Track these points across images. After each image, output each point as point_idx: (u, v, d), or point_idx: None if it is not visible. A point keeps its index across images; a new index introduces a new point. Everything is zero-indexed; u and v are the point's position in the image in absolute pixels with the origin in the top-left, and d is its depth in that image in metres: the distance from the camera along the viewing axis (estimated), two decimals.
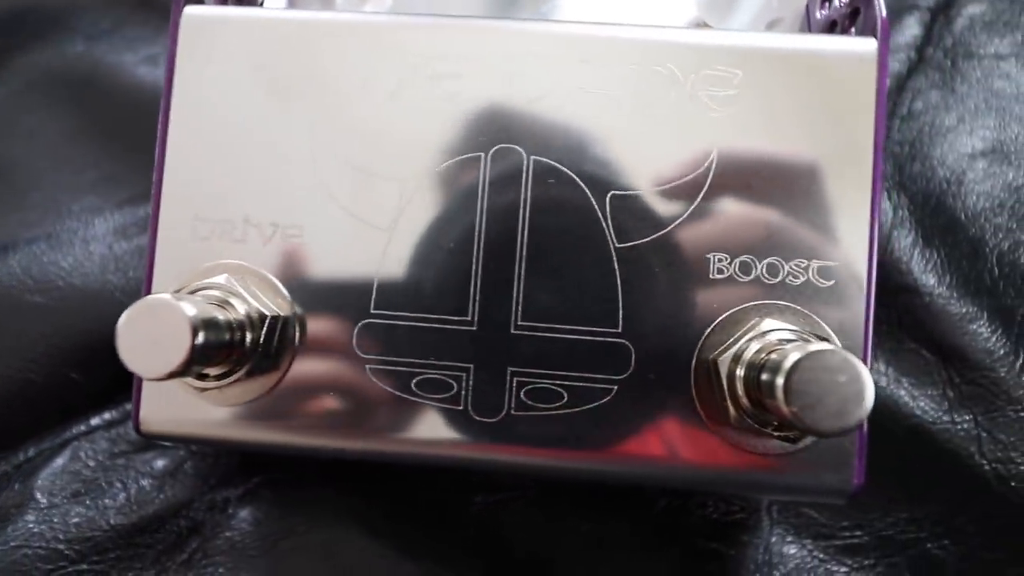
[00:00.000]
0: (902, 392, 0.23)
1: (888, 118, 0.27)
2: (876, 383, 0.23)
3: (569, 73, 0.18)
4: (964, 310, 0.23)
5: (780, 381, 0.14)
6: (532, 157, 0.18)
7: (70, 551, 0.21)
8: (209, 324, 0.15)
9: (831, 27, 0.21)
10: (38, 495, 0.22)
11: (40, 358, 0.24)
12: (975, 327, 0.23)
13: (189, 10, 0.19)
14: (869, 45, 0.17)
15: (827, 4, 0.21)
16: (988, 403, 0.22)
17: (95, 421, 0.24)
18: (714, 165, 0.17)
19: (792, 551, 0.22)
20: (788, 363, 0.14)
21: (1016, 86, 0.28)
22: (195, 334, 0.15)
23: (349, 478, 0.23)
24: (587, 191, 0.17)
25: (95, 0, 0.32)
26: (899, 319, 0.24)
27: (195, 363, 0.15)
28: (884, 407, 0.23)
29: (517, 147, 0.18)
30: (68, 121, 0.29)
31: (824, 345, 0.13)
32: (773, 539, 0.22)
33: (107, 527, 0.22)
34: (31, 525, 0.22)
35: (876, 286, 0.24)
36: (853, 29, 0.19)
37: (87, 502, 0.22)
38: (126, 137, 0.29)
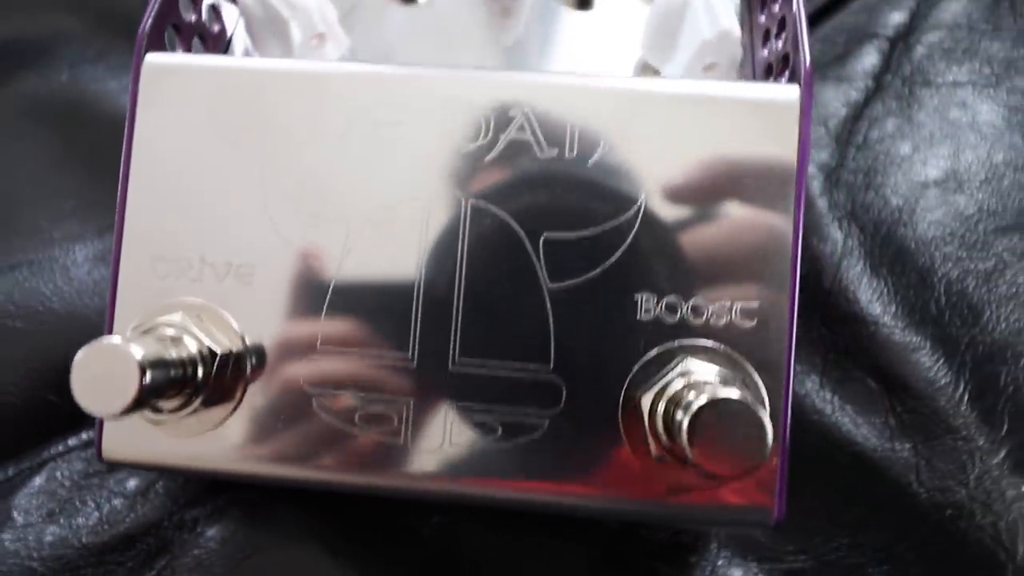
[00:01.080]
0: (846, 419, 0.23)
1: (844, 146, 0.28)
2: (821, 410, 0.24)
3: (505, 120, 0.18)
4: (908, 340, 0.24)
5: (685, 423, 0.14)
6: (470, 201, 0.18)
7: (43, 569, 0.22)
8: (158, 364, 0.16)
9: (769, 69, 0.21)
10: (15, 514, 0.23)
11: (20, 381, 0.25)
12: (918, 356, 0.23)
13: (150, 57, 0.20)
14: (792, 93, 0.18)
15: (766, 45, 0.22)
16: (927, 432, 0.22)
17: (72, 441, 0.25)
18: (642, 209, 0.18)
19: (738, 573, 0.23)
20: (694, 406, 0.14)
21: (972, 114, 0.28)
22: (143, 374, 0.16)
23: (313, 498, 0.24)
24: (521, 234, 0.18)
25: (80, 29, 0.33)
26: (845, 347, 0.25)
27: (145, 402, 0.16)
28: (828, 434, 0.23)
29: (456, 191, 0.18)
30: (52, 148, 0.30)
31: (729, 392, 0.14)
32: (720, 561, 0.23)
33: (79, 545, 0.23)
34: (7, 543, 0.23)
35: (826, 315, 0.25)
36: (787, 72, 0.20)
37: (61, 521, 0.23)
38: (108, 164, 0.30)
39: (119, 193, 0.20)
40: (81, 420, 0.26)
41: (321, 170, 0.19)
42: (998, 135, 0.27)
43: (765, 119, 0.18)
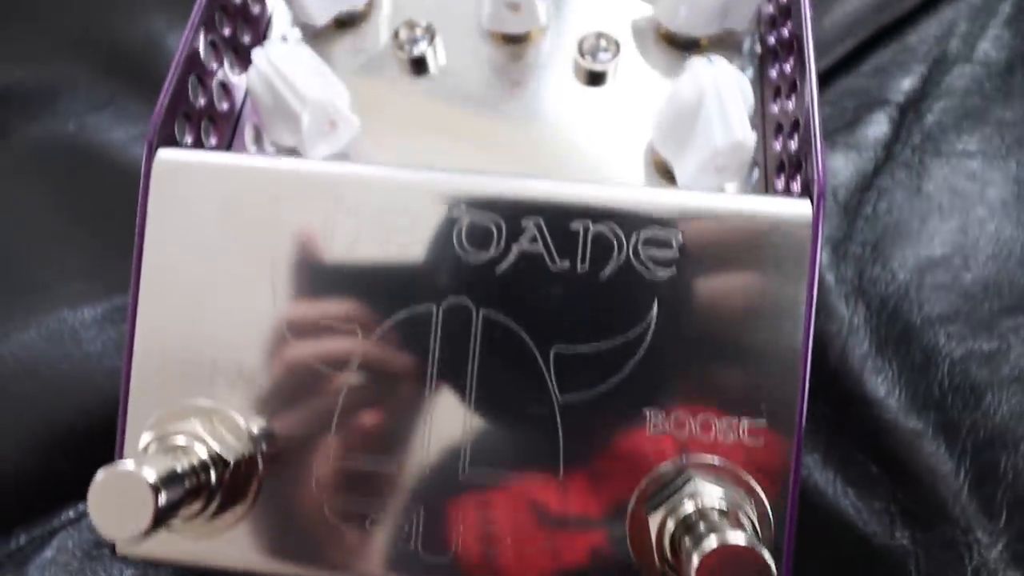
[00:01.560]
0: (847, 503, 0.24)
1: (853, 218, 0.28)
2: (823, 491, 0.24)
3: (517, 229, 0.18)
4: (911, 425, 0.24)
5: (695, 561, 0.15)
6: (481, 310, 0.18)
7: None
8: (172, 480, 0.16)
9: (780, 165, 0.21)
10: None
11: (29, 447, 0.26)
12: (921, 443, 0.24)
13: (162, 154, 0.20)
14: (804, 208, 0.18)
15: (778, 137, 0.22)
16: (927, 521, 0.23)
17: (83, 507, 0.26)
18: (653, 324, 0.18)
19: None
20: (703, 547, 0.15)
21: (981, 186, 0.28)
22: (158, 497, 0.16)
23: None
24: (532, 346, 0.18)
25: (86, 75, 0.33)
26: (849, 429, 0.25)
27: (163, 521, 0.16)
28: (829, 516, 0.24)
29: (467, 300, 0.18)
30: (58, 201, 0.30)
31: (737, 537, 0.14)
32: None
33: None
34: None
35: (831, 395, 0.25)
36: (798, 176, 0.20)
37: None
38: (117, 219, 0.30)
39: (131, 291, 0.20)
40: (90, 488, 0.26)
41: (333, 275, 0.19)
42: (1007, 209, 0.27)
43: (776, 235, 0.18)
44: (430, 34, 0.25)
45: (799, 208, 0.18)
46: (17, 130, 0.32)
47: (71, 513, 0.26)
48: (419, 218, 0.19)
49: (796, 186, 0.20)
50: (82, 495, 0.27)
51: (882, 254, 0.27)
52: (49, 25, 0.33)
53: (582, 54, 0.24)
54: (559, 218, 0.18)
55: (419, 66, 0.25)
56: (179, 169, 0.20)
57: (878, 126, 0.29)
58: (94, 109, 0.32)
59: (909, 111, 0.29)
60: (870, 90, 0.30)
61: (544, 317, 0.18)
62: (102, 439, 0.27)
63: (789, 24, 0.22)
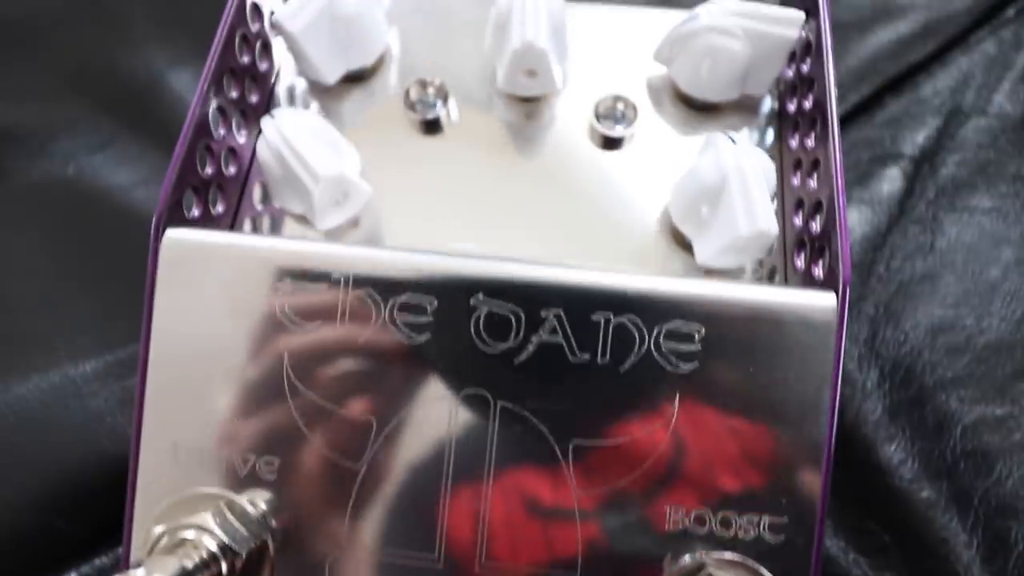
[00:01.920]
0: (858, 572, 0.24)
1: (866, 276, 0.28)
2: (834, 558, 0.24)
3: (536, 320, 0.18)
4: (924, 495, 0.24)
5: None
6: (499, 402, 0.18)
7: None
8: None
9: (801, 243, 0.21)
10: None
11: (26, 504, 0.25)
12: (933, 513, 0.24)
13: (170, 234, 0.19)
14: (828, 301, 0.18)
15: (799, 212, 0.21)
16: None
17: (85, 568, 0.25)
18: (674, 419, 0.18)
19: None
20: None
21: (994, 243, 0.28)
22: None
23: None
24: (551, 439, 0.18)
25: (84, 117, 0.32)
26: (863, 496, 0.25)
27: None
28: None
29: (485, 392, 0.18)
30: (59, 249, 0.29)
31: None
32: None
33: None
34: None
35: (844, 461, 0.25)
36: (820, 262, 0.19)
37: None
38: (119, 267, 0.29)
39: (138, 375, 0.19)
40: (90, 548, 0.26)
41: (346, 363, 0.18)
42: (1021, 268, 0.27)
43: (800, 329, 0.18)
44: (442, 95, 0.24)
45: (823, 301, 0.18)
46: (15, 173, 0.31)
47: (73, 574, 0.25)
48: (436, 306, 0.18)
49: (818, 270, 0.19)
50: (81, 556, 0.27)
51: (895, 315, 0.27)
52: (48, 63, 0.32)
53: (598, 118, 0.24)
54: (579, 309, 0.18)
55: (431, 127, 0.24)
56: (187, 250, 0.19)
57: (892, 182, 0.29)
58: (93, 150, 0.32)
59: (923, 165, 0.29)
60: (884, 142, 0.30)
61: (563, 410, 0.18)
62: (102, 499, 0.27)
63: (811, 96, 0.22)
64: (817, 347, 0.18)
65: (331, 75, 0.24)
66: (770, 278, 0.22)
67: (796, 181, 0.22)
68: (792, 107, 0.23)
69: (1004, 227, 0.28)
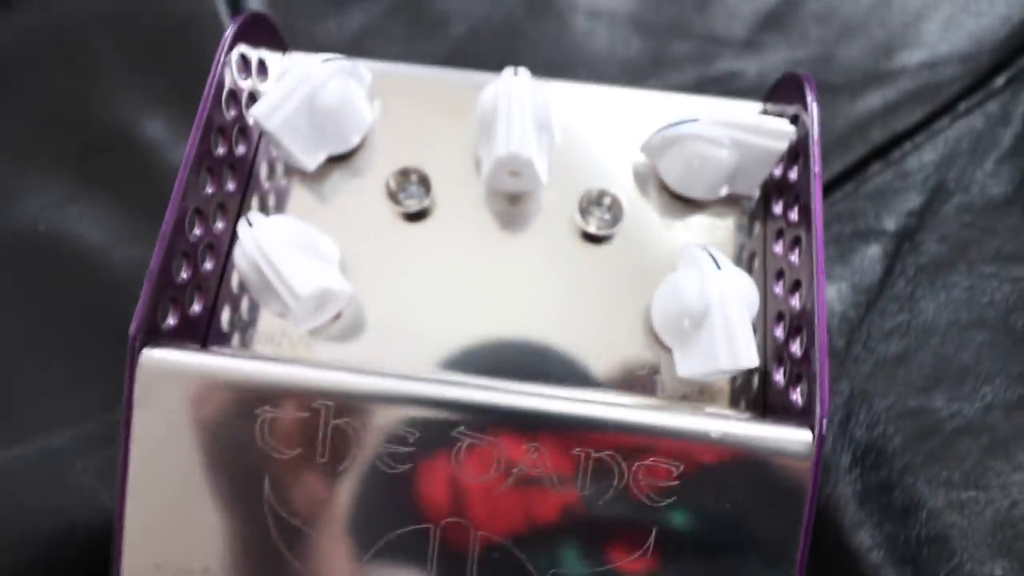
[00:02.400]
0: None
1: (843, 357, 0.28)
2: None
3: (518, 452, 0.18)
4: None
5: None
6: (479, 532, 0.18)
7: None
8: None
9: (781, 359, 0.21)
10: None
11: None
12: None
13: (145, 355, 0.19)
14: (804, 437, 0.18)
15: (779, 323, 0.21)
16: None
17: None
18: (650, 551, 0.18)
19: None
20: None
21: (969, 324, 0.28)
22: None
23: None
24: (531, 568, 0.18)
25: (52, 168, 0.31)
26: None
27: None
28: None
29: (465, 522, 0.18)
30: (31, 309, 0.29)
31: None
32: None
33: None
34: None
35: (816, 548, 0.25)
36: (798, 390, 0.20)
37: None
38: (93, 329, 0.28)
39: (118, 495, 0.19)
40: None
41: (326, 492, 0.18)
42: (995, 351, 0.28)
43: (776, 466, 0.18)
44: (424, 185, 0.24)
45: (799, 437, 0.18)
46: None
47: None
48: (418, 437, 0.18)
49: (796, 395, 0.20)
50: None
51: (868, 396, 0.27)
52: (15, 108, 0.31)
53: (582, 212, 0.23)
54: (559, 444, 0.18)
55: (413, 216, 0.24)
56: (163, 371, 0.19)
57: (872, 260, 0.29)
58: (65, 204, 0.31)
59: (905, 243, 0.29)
60: (867, 216, 0.30)
61: (542, 540, 0.18)
62: (77, 572, 0.27)
63: (796, 207, 0.22)
64: (791, 485, 0.18)
65: (311, 163, 0.23)
66: (745, 387, 0.22)
67: (778, 291, 0.22)
68: (777, 209, 0.23)
69: (979, 308, 0.28)
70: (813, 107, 0.21)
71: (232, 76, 0.23)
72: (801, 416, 0.19)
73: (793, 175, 0.22)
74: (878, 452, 0.27)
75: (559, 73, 0.32)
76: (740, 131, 0.21)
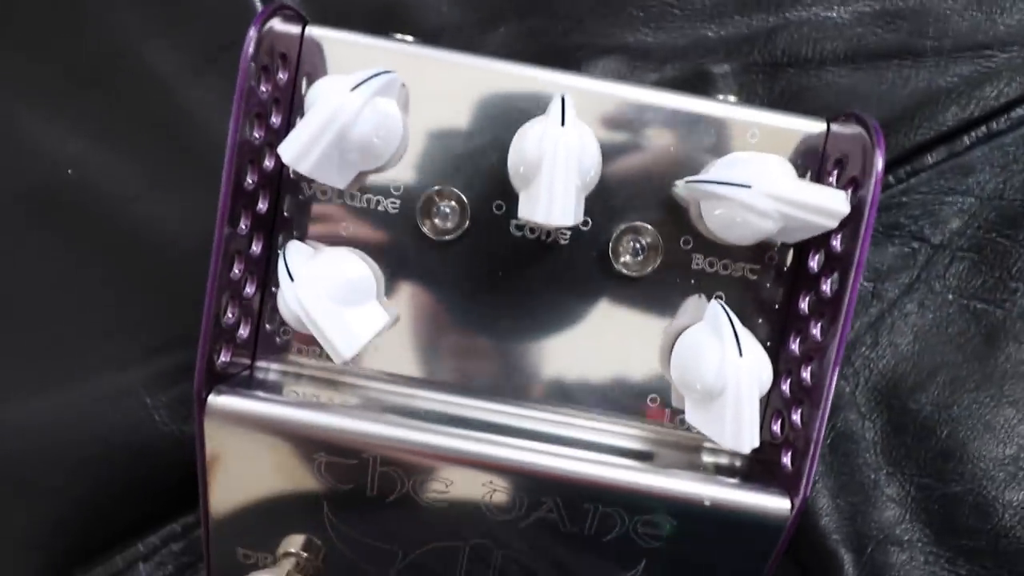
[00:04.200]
0: None
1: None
2: None
3: (536, 503, 0.21)
4: None
5: None
6: (501, 551, 0.22)
7: None
8: None
9: (779, 414, 0.23)
10: None
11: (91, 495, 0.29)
12: None
13: (212, 401, 0.21)
14: (783, 505, 0.21)
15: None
16: None
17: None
18: (640, 573, 0.22)
19: None
20: None
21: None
22: None
23: None
24: None
25: (70, 100, 0.28)
26: None
27: None
28: None
29: (490, 542, 0.22)
30: (78, 254, 0.29)
31: None
32: None
33: None
34: None
35: None
36: (789, 452, 0.22)
37: None
38: (139, 274, 0.29)
39: (201, 515, 0.23)
40: (143, 532, 0.30)
41: (374, 514, 0.22)
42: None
43: (753, 526, 0.21)
44: (458, 207, 0.23)
45: (780, 505, 0.21)
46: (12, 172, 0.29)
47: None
48: (453, 484, 0.21)
49: (787, 459, 0.22)
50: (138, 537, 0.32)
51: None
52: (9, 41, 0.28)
53: (614, 253, 0.23)
54: (574, 499, 0.21)
55: (446, 239, 0.23)
56: (228, 418, 0.21)
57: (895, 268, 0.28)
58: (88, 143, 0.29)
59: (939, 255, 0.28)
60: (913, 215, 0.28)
61: (555, 562, 0.22)
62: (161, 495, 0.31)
63: (830, 280, 0.21)
64: (765, 542, 0.21)
65: (343, 182, 0.22)
66: None
67: (793, 348, 0.23)
68: (813, 265, 0.23)
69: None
70: (876, 176, 0.20)
71: (257, 88, 0.21)
72: (787, 483, 0.22)
73: (837, 242, 0.21)
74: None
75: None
76: (791, 207, 0.20)
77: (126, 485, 0.30)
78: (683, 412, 0.22)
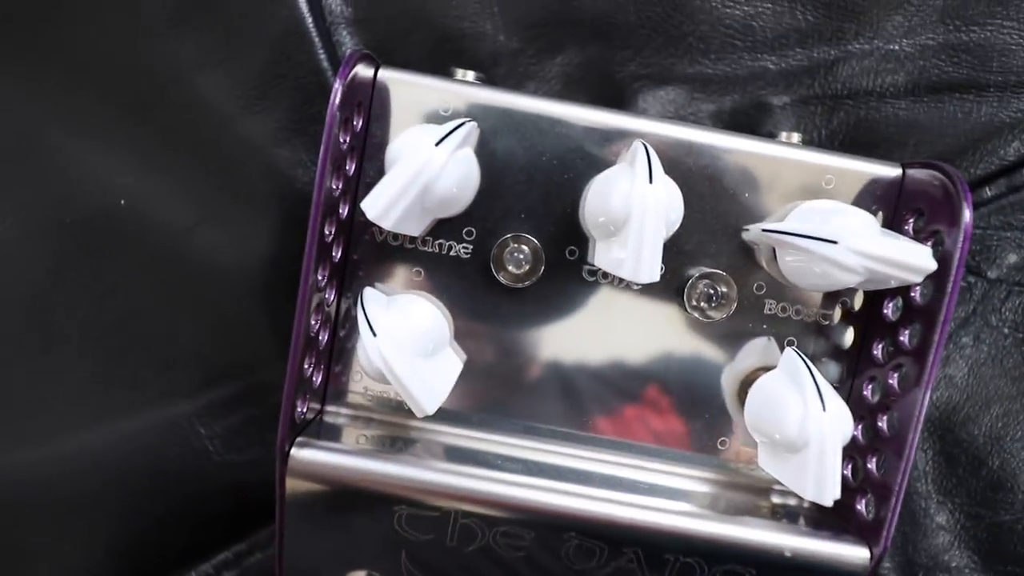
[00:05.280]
0: None
1: None
2: None
3: (617, 553, 0.21)
4: None
5: None
6: None
7: None
8: None
9: (851, 459, 0.23)
10: None
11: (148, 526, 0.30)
12: None
13: (295, 454, 0.21)
14: (862, 555, 0.21)
15: (858, 425, 0.23)
16: None
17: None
18: None
19: None
20: None
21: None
22: None
23: None
24: None
25: (119, 131, 0.28)
26: None
27: None
28: None
29: None
30: (136, 292, 0.29)
31: None
32: None
33: None
34: None
35: None
36: (865, 498, 0.22)
37: None
38: (194, 310, 0.29)
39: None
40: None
41: (453, 564, 0.22)
42: None
43: (830, 574, 0.21)
44: (531, 255, 0.23)
45: (859, 555, 0.21)
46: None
47: None
48: (533, 537, 0.21)
49: (862, 507, 0.22)
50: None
51: None
52: (54, 55, 0.27)
53: (688, 300, 0.23)
54: (654, 550, 0.21)
55: (517, 287, 0.23)
56: (309, 469, 0.21)
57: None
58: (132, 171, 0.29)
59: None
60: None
61: None
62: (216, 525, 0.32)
63: (909, 330, 0.21)
64: None
65: (418, 231, 0.22)
66: None
67: (867, 395, 0.23)
68: (889, 313, 0.23)
69: None
70: (965, 231, 0.20)
71: (339, 139, 0.21)
72: (862, 531, 0.22)
73: (917, 294, 0.21)
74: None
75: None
76: (878, 263, 0.20)
77: (179, 514, 0.31)
78: (753, 454, 0.23)
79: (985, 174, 0.29)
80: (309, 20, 0.28)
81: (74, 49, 0.28)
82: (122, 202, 0.29)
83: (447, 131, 0.20)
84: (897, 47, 0.29)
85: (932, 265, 0.20)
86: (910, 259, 0.20)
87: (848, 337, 0.24)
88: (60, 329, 0.30)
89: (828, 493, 0.21)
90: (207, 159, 0.29)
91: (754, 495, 0.24)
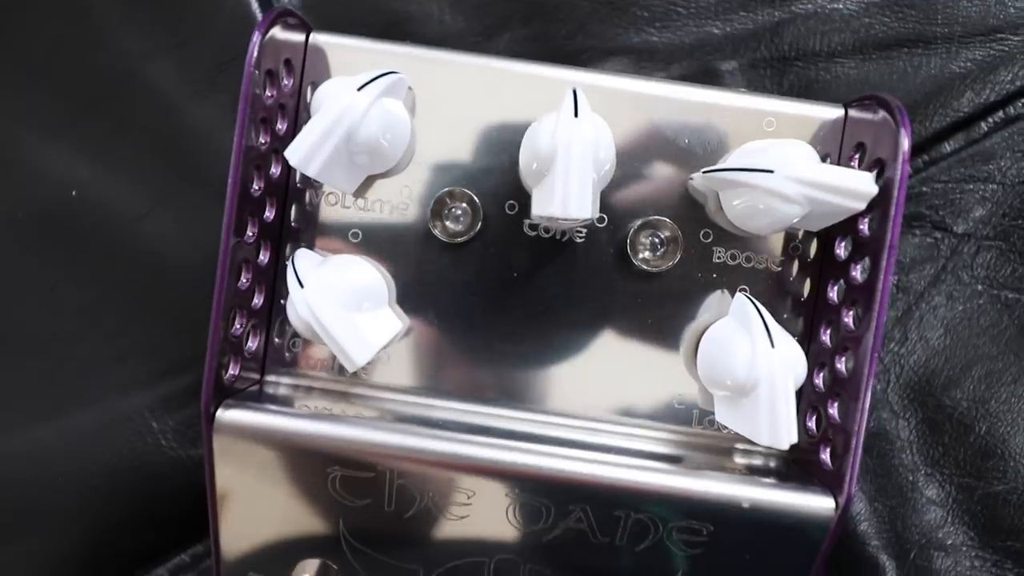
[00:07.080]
0: None
1: None
2: None
3: (564, 511, 0.20)
4: None
5: None
6: (528, 565, 0.21)
7: None
8: None
9: (815, 410, 0.22)
10: None
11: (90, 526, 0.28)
12: None
13: (220, 415, 0.20)
14: (828, 504, 0.20)
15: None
16: None
17: None
18: None
19: None
20: None
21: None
22: None
23: None
24: None
25: (72, 123, 0.28)
26: None
27: None
28: None
29: (515, 556, 0.21)
30: (84, 275, 0.29)
31: None
32: None
33: None
34: None
35: None
36: (828, 447, 0.21)
37: None
38: (144, 298, 0.29)
39: (212, 535, 0.21)
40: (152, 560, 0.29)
41: (392, 530, 0.21)
42: None
43: (795, 528, 0.20)
44: (470, 209, 0.22)
45: (823, 504, 0.20)
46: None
47: None
48: (475, 495, 0.20)
49: (826, 456, 0.21)
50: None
51: None
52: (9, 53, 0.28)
53: (631, 247, 0.22)
54: (603, 506, 0.20)
55: (457, 241, 0.23)
56: (236, 433, 0.20)
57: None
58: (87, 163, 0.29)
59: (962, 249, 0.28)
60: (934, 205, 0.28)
61: (585, 575, 0.21)
62: (167, 522, 0.30)
63: (860, 265, 0.21)
64: (809, 542, 0.20)
65: (351, 186, 0.22)
66: None
67: (825, 340, 0.22)
68: (840, 252, 0.22)
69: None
70: (903, 156, 0.19)
71: (262, 94, 0.21)
72: (828, 481, 0.20)
73: (865, 226, 0.21)
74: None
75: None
76: (818, 190, 0.19)
77: (133, 514, 0.29)
78: (712, 413, 0.21)
79: (941, 127, 0.28)
80: (255, 6, 0.29)
81: (26, 45, 0.29)
82: (74, 193, 0.29)
83: (370, 78, 0.20)
84: (841, 5, 0.29)
85: (872, 188, 0.19)
86: (850, 183, 0.19)
87: (803, 284, 0.23)
88: (9, 323, 0.29)
89: (783, 435, 0.19)
90: (158, 148, 0.29)
91: (716, 455, 0.23)
